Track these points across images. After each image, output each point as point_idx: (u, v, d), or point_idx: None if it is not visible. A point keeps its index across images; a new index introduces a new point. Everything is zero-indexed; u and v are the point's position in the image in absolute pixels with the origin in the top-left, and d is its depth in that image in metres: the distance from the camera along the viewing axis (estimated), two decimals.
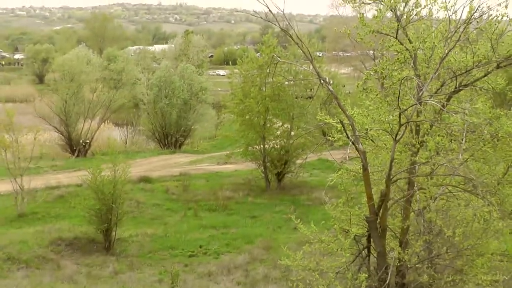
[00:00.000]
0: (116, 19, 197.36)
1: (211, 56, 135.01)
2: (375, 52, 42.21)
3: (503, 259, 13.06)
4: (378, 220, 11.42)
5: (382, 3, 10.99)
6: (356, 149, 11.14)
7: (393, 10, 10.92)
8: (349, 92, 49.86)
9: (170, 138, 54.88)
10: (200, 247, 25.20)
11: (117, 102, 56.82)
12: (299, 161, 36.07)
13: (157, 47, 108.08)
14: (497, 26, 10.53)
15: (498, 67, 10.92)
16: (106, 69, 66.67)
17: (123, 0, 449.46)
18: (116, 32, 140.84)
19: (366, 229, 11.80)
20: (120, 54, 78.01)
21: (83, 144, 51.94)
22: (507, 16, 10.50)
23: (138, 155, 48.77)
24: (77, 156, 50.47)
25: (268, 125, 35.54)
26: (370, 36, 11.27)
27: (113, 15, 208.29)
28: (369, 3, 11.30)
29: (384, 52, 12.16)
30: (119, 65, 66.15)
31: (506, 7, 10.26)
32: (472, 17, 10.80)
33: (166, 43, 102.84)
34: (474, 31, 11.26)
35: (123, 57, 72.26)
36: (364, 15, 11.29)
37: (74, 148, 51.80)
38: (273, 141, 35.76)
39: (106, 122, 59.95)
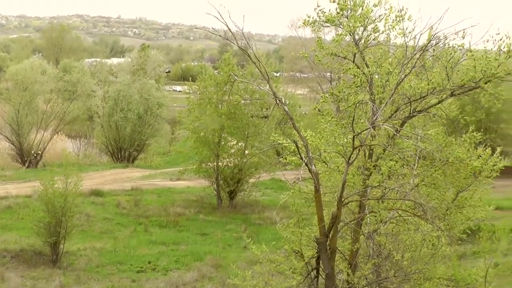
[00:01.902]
0: (74, 30, 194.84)
1: (169, 72, 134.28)
2: (332, 75, 42.69)
3: (450, 284, 13.20)
4: (328, 242, 11.36)
5: (341, 26, 11.06)
6: (309, 170, 11.10)
7: (351, 34, 10.99)
8: (305, 113, 50.27)
9: (124, 152, 54.31)
10: (149, 262, 24.87)
11: (71, 113, 56.11)
12: (252, 180, 36.08)
13: (114, 60, 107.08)
14: (453, 55, 10.69)
15: (452, 95, 11.06)
16: (61, 80, 65.64)
17: (82, 11, 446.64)
18: (73, 43, 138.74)
19: (316, 251, 11.72)
20: (76, 66, 76.94)
21: (35, 155, 50.96)
22: (463, 46, 10.67)
23: (90, 168, 48.04)
24: (28, 167, 49.40)
25: (223, 143, 35.50)
26: (328, 58, 11.30)
27: (71, 26, 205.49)
28: (328, 26, 11.36)
29: (341, 75, 12.22)
30: (74, 76, 65.34)
31: (463, 37, 10.43)
32: (429, 44, 10.94)
33: (124, 56, 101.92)
34: (430, 58, 11.39)
35: (79, 69, 71.34)
36: (323, 37, 11.37)
37: (25, 158, 50.78)
38: (227, 159, 35.70)
39: (59, 133, 58.96)
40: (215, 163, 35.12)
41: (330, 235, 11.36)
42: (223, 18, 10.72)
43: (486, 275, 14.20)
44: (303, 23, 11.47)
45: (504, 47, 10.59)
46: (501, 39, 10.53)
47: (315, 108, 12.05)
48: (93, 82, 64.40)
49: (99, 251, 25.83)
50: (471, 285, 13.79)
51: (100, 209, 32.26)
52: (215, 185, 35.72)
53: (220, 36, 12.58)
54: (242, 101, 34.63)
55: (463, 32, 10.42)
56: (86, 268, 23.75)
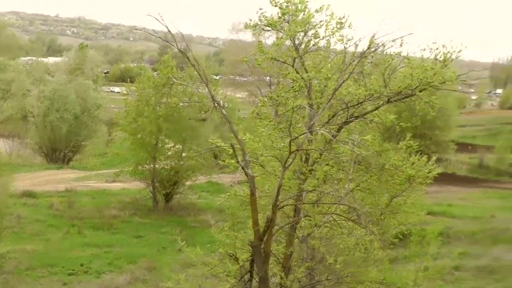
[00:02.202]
0: (10, 27, 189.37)
1: (107, 72, 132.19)
2: (271, 79, 42.94)
3: (381, 287, 13.44)
4: (262, 246, 11.34)
5: (282, 31, 11.09)
6: (245, 173, 11.06)
7: (292, 39, 11.03)
8: (244, 117, 50.38)
9: (59, 153, 53.13)
10: (81, 265, 24.27)
11: (4, 113, 54.55)
12: (188, 183, 35.83)
13: (51, 59, 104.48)
14: (390, 63, 10.91)
15: (388, 101, 11.27)
16: None
17: (18, 8, 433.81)
18: (8, 41, 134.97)
19: (250, 254, 11.70)
20: (11, 64, 74.81)
21: None
22: (401, 54, 10.91)
23: (23, 168, 46.62)
24: None
25: (160, 145, 35.13)
26: (268, 63, 11.32)
27: (7, 23, 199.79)
28: (269, 30, 11.37)
29: (281, 79, 12.27)
30: (9, 75, 63.52)
31: (401, 45, 10.67)
32: (367, 51, 11.11)
33: (61, 55, 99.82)
34: (369, 65, 11.57)
35: (14, 67, 69.37)
36: (264, 41, 11.37)
37: None
38: (164, 162, 35.34)
39: None
40: (151, 165, 34.71)
41: (265, 239, 11.35)
42: (163, 20, 10.60)
43: (416, 278, 14.60)
44: (244, 27, 11.48)
45: (441, 57, 10.91)
46: (437, 49, 10.87)
47: (253, 112, 12.02)
48: (29, 81, 62.71)
49: (30, 253, 25.01)
50: None
51: (32, 211, 31.26)
52: (151, 187, 35.29)
53: (159, 38, 12.44)
54: (181, 104, 34.36)
55: (401, 40, 10.69)
56: (15, 271, 22.95)
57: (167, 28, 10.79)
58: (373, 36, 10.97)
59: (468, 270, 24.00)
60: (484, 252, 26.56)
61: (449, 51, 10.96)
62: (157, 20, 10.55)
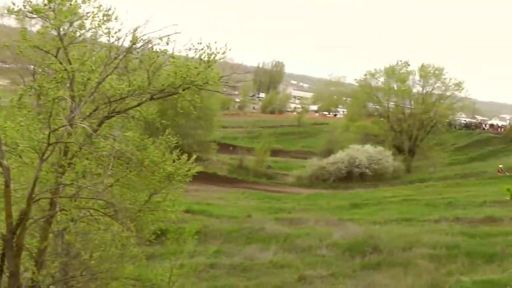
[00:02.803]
0: None
1: None
2: (35, 68, 41.16)
3: (136, 283, 13.85)
4: (15, 239, 11.13)
5: (47, 20, 10.98)
6: (0, 164, 10.79)
7: (57, 29, 10.97)
8: (4, 105, 47.45)
9: None
10: None
11: None
12: None
13: None
14: (155, 60, 11.31)
15: (151, 98, 11.66)
16: None
17: None
18: None
19: (1, 248, 11.41)
20: None
21: None
22: (167, 52, 11.32)
23: None
24: None
25: None
26: (31, 51, 11.12)
27: None
28: (34, 17, 11.19)
29: (46, 68, 12.09)
30: None
31: (167, 43, 11.11)
32: (134, 46, 11.41)
33: None
34: (135, 61, 11.84)
35: None
36: (30, 28, 11.14)
37: None
38: None
39: None
40: None
41: (18, 232, 11.16)
42: None
43: (171, 275, 15.26)
44: (7, 11, 11.16)
45: (205, 57, 11.55)
46: (202, 49, 11.45)
47: (12, 100, 11.67)
48: None
49: None
50: (156, 285, 14.65)
51: None
52: None
53: None
54: None
55: (168, 38, 11.12)
56: None
57: None
58: (135, 31, 11.26)
59: (222, 268, 25.22)
60: (238, 250, 28.13)
61: (213, 52, 11.48)
62: None
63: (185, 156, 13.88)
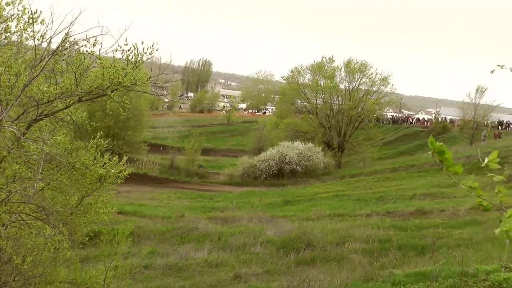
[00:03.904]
0: None
1: None
2: None
3: (71, 287, 13.82)
4: None
5: None
6: None
7: None
8: None
9: None
10: None
11: None
12: None
13: None
14: (83, 61, 11.32)
15: (79, 100, 11.68)
16: None
17: None
18: None
19: None
20: None
21: None
22: (94, 53, 11.33)
23: None
24: None
25: None
26: None
27: None
28: None
29: None
30: None
31: (94, 44, 11.12)
32: (59, 48, 11.36)
33: None
34: (63, 63, 11.80)
35: None
36: None
37: None
38: None
39: None
40: None
41: None
42: None
43: (106, 278, 15.25)
44: None
45: (132, 58, 11.64)
46: (129, 50, 11.54)
47: None
48: None
49: None
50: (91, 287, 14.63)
51: None
52: None
53: None
54: None
55: (95, 39, 11.15)
56: None
57: None
58: (67, 34, 11.29)
59: (157, 269, 25.22)
60: (172, 250, 28.19)
61: (140, 53, 11.54)
62: None
63: (116, 158, 13.90)
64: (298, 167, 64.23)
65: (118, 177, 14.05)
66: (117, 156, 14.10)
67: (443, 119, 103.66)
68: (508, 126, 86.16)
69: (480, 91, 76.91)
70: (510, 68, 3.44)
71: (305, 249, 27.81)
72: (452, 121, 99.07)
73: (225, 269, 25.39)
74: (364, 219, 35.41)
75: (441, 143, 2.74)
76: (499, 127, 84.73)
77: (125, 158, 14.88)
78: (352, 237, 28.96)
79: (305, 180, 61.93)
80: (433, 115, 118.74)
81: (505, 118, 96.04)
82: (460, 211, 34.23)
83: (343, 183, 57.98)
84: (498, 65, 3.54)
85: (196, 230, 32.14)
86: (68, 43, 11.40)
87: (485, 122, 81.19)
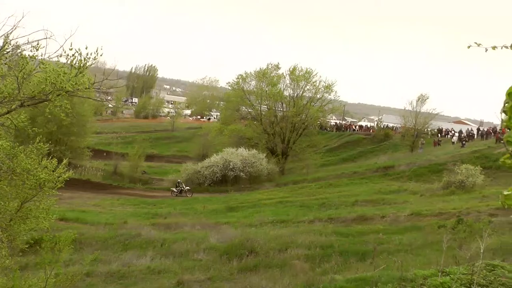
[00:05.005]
0: None
1: None
2: None
3: None
4: None
5: None
6: None
7: None
8: None
9: None
10: None
11: None
12: None
13: None
14: (25, 66, 11.09)
15: (22, 105, 11.45)
16: None
17: None
18: None
19: None
20: None
21: None
22: (36, 57, 11.13)
23: None
24: None
25: None
26: None
27: None
28: None
29: None
30: None
31: (37, 49, 10.92)
32: (1, 52, 11.14)
33: None
34: (5, 66, 11.55)
35: None
36: None
37: None
38: None
39: None
40: None
41: None
42: None
43: (46, 286, 14.97)
44: None
45: (76, 63, 11.47)
46: (73, 55, 11.36)
47: None
48: None
49: None
50: None
51: None
52: None
53: None
54: None
55: (37, 44, 10.94)
56: None
57: None
58: (7, 37, 11.06)
59: (99, 276, 24.86)
60: (115, 257, 27.83)
61: (84, 58, 11.37)
62: None
63: (55, 161, 13.66)
64: (242, 174, 64.36)
65: (58, 181, 13.86)
66: (56, 160, 13.85)
67: (385, 126, 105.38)
68: (447, 134, 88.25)
69: (422, 99, 78.68)
70: (486, 48, 3.52)
71: (248, 256, 27.83)
72: (393, 128, 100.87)
73: (168, 276, 25.22)
74: (307, 225, 35.68)
75: None
76: (439, 134, 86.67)
77: (64, 161, 14.66)
78: (294, 243, 29.15)
79: (249, 187, 62.09)
80: (376, 122, 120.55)
81: (445, 126, 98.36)
82: (400, 217, 34.90)
83: (287, 189, 58.32)
84: (476, 43, 3.62)
85: (139, 237, 31.85)
86: (10, 47, 11.19)
87: (425, 130, 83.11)
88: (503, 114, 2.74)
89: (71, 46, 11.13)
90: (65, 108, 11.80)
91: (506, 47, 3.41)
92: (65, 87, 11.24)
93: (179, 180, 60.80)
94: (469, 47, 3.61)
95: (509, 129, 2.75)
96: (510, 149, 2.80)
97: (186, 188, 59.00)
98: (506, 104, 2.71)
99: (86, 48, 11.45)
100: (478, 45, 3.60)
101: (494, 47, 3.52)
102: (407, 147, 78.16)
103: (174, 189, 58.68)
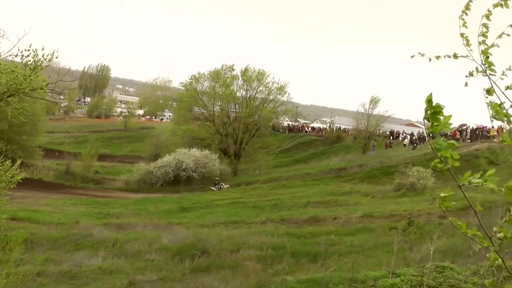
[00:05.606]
0: None
1: None
2: None
3: None
4: None
5: None
6: None
7: None
8: None
9: None
10: None
11: None
12: None
13: None
14: None
15: None
16: None
17: None
18: None
19: None
20: None
21: None
22: None
23: None
24: None
25: None
26: None
27: None
28: None
29: None
30: None
31: None
32: None
33: None
34: None
35: None
36: None
37: None
38: None
39: None
40: None
41: None
42: None
43: None
44: None
45: (32, 64, 11.46)
46: (29, 55, 11.35)
47: None
48: None
49: None
50: None
51: None
52: None
53: None
54: None
55: None
56: None
57: None
58: None
59: (50, 276, 24.64)
60: (66, 257, 27.62)
61: (40, 59, 11.31)
62: None
63: (8, 162, 13.56)
64: (194, 174, 64.41)
65: (11, 181, 13.71)
66: (9, 160, 13.76)
67: (338, 128, 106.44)
68: (399, 136, 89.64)
69: (374, 101, 79.89)
70: (429, 58, 3.66)
71: (200, 256, 27.97)
72: (346, 130, 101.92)
73: (120, 276, 25.19)
74: (259, 226, 35.95)
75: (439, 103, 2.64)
76: (390, 137, 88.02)
77: (18, 162, 14.52)
78: (246, 244, 29.38)
79: (201, 187, 62.16)
80: (328, 124, 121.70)
81: (396, 128, 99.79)
82: (352, 218, 35.45)
83: (239, 190, 58.54)
84: (419, 53, 3.74)
85: (91, 237, 31.67)
86: None
87: (377, 132, 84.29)
88: (426, 121, 2.83)
89: (30, 47, 11.14)
90: (23, 110, 11.80)
91: (449, 56, 3.56)
92: (21, 88, 11.23)
93: (217, 179, 62.66)
94: (412, 57, 3.74)
95: (435, 136, 2.91)
96: (439, 154, 2.95)
97: (226, 186, 61.09)
98: (428, 112, 2.80)
99: (42, 49, 11.41)
100: (422, 55, 3.71)
101: (438, 57, 3.68)
102: (359, 149, 79.18)
103: (214, 188, 60.20)
